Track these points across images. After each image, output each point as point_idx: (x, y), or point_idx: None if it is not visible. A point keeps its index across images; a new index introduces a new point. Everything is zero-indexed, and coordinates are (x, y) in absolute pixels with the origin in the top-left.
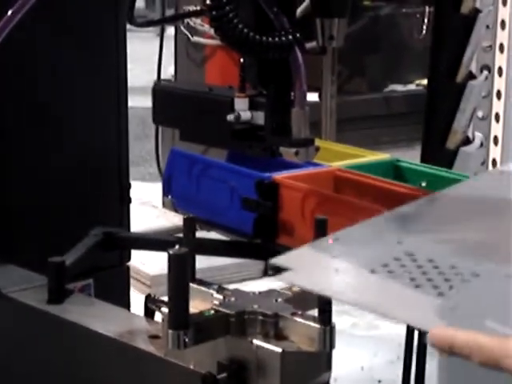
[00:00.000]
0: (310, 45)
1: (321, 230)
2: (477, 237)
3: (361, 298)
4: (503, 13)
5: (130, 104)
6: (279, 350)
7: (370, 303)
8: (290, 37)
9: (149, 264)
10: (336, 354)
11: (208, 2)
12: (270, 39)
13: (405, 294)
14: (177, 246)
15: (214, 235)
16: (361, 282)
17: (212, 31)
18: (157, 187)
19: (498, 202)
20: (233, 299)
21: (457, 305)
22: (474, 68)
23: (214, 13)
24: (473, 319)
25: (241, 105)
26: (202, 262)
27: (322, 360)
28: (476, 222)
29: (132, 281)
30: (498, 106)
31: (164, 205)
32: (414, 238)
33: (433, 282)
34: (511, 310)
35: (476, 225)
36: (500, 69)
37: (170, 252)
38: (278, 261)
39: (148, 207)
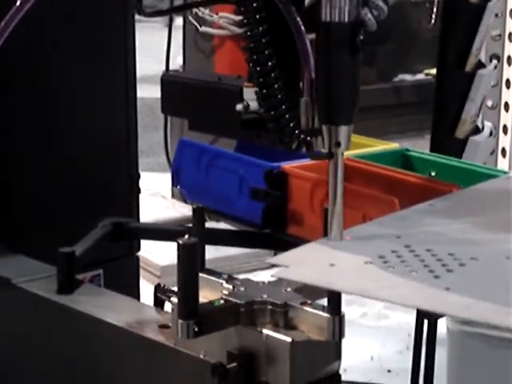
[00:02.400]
0: (311, 36)
1: None
2: (482, 228)
3: (351, 285)
4: None
5: (139, 94)
6: (289, 339)
7: (360, 288)
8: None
9: (158, 254)
10: (346, 344)
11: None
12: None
13: (399, 278)
14: (186, 236)
15: (223, 225)
16: (354, 272)
17: (221, 21)
18: (166, 178)
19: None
20: (242, 289)
21: (452, 285)
22: (483, 57)
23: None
24: (467, 298)
25: (249, 94)
26: (212, 252)
27: (331, 349)
28: (484, 216)
29: (142, 271)
30: (507, 95)
31: (173, 195)
32: (414, 233)
33: (429, 268)
34: (509, 287)
35: (483, 218)
36: (509, 58)
37: (180, 242)
38: (273, 260)
39: (157, 198)
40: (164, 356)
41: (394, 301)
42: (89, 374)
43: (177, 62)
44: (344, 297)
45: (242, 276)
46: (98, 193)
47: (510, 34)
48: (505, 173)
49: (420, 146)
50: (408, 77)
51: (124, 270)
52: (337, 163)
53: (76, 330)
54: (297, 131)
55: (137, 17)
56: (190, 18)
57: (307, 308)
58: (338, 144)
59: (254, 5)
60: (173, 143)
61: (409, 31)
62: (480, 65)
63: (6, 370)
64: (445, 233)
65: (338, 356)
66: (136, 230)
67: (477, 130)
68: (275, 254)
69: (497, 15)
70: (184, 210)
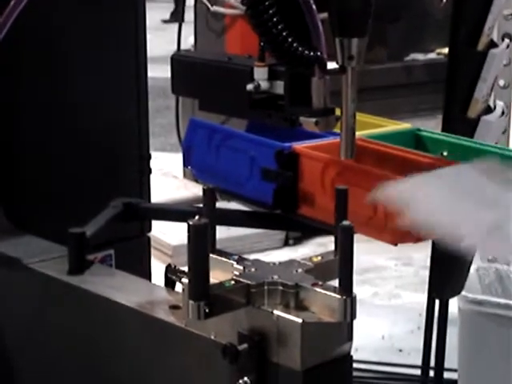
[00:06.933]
0: (322, 15)
1: (341, 199)
2: None
3: None
4: None
5: (150, 74)
6: (299, 320)
7: None
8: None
9: (170, 234)
10: (357, 324)
11: None
12: (295, 47)
13: None
14: (197, 217)
15: (234, 205)
16: None
17: (232, 0)
18: (178, 158)
19: None
20: (253, 270)
21: None
22: (495, 36)
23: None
24: None
25: (260, 74)
26: (223, 232)
27: (343, 330)
28: None
29: (154, 251)
30: None
31: (185, 175)
32: None
33: None
34: None
35: None
36: None
37: (190, 223)
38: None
39: (169, 178)
40: (174, 337)
41: None
42: (99, 353)
43: (189, 41)
44: (355, 276)
45: (253, 255)
46: (109, 173)
47: None
48: None
49: (432, 126)
50: (420, 56)
51: (135, 251)
52: (349, 78)
53: (87, 311)
54: (299, 48)
55: None
56: None
57: (318, 289)
58: (351, 57)
59: None
60: (184, 123)
61: (421, 10)
62: (492, 44)
63: (17, 350)
64: None
65: (349, 337)
66: (147, 210)
67: (489, 110)
68: (287, 235)
69: None
70: (195, 190)
